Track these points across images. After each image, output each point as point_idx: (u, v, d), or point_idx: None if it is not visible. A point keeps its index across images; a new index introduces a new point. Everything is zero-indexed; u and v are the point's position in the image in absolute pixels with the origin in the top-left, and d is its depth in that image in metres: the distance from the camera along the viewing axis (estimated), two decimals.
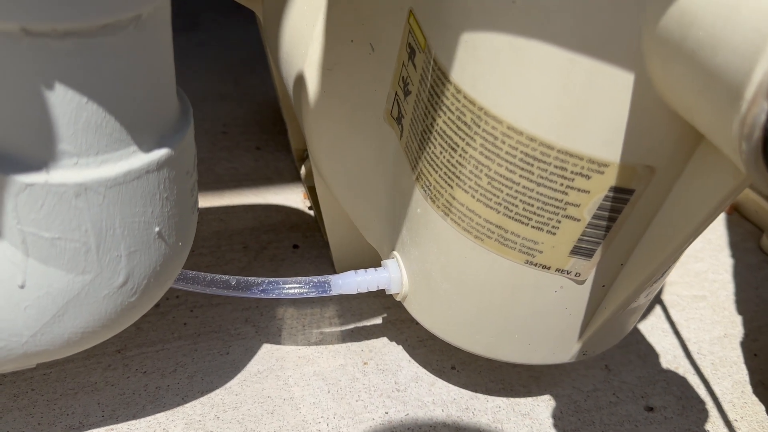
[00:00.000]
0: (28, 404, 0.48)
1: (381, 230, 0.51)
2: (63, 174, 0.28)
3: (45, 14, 0.24)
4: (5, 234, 0.31)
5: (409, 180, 0.44)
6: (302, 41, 0.48)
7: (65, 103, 0.27)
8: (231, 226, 0.68)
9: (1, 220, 0.30)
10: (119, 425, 0.47)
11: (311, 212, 0.71)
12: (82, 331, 0.35)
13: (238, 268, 0.62)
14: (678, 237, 0.36)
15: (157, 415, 0.48)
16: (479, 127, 0.35)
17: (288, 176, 0.76)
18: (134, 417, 0.48)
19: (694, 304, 0.68)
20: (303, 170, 0.67)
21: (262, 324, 0.57)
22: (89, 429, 0.47)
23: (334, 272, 0.64)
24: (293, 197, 0.73)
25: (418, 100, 0.40)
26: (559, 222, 0.36)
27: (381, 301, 0.61)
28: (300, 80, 0.49)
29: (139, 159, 0.30)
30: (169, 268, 0.36)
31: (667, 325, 0.65)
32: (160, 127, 0.31)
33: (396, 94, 0.44)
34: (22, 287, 0.32)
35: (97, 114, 0.27)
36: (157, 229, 0.33)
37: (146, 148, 0.30)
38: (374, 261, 0.63)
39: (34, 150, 0.28)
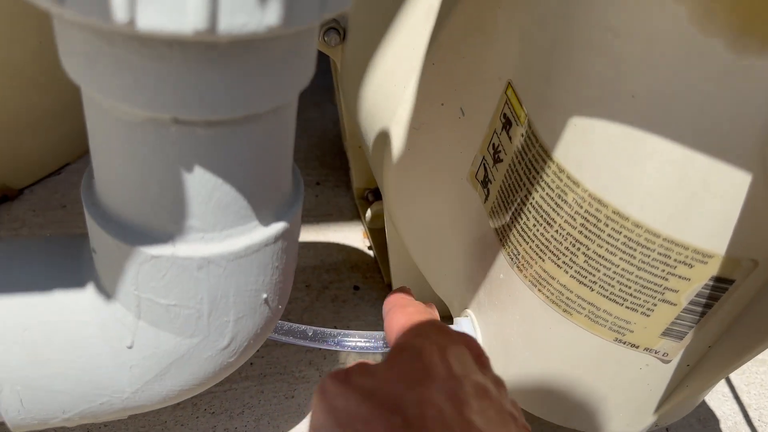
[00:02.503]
0: None
1: (453, 286, 0.52)
2: (189, 248, 0.29)
3: (199, 108, 0.25)
4: (120, 297, 0.32)
5: (493, 245, 0.44)
6: (390, 99, 0.48)
7: (201, 184, 0.27)
8: None
9: (119, 284, 0.31)
10: None
11: (371, 252, 0.72)
12: (179, 389, 0.36)
13: (302, 308, 0.63)
14: None
15: None
16: (581, 207, 0.35)
17: (347, 213, 0.77)
18: None
19: (754, 369, 0.67)
20: (369, 213, 0.68)
21: (325, 368, 0.58)
22: None
23: None
24: (353, 236, 0.74)
25: (511, 170, 0.40)
26: (655, 305, 0.36)
27: None
28: (384, 136, 0.50)
29: (259, 233, 0.30)
30: (267, 329, 0.36)
31: (727, 389, 0.64)
32: (278, 201, 0.32)
33: (484, 158, 0.44)
34: (130, 347, 0.33)
35: (228, 194, 0.28)
36: (264, 296, 0.33)
37: (266, 222, 0.31)
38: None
39: (162, 224, 0.29)
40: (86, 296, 0.33)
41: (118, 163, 0.28)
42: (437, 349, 0.26)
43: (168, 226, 0.29)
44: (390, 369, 0.25)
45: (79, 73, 0.25)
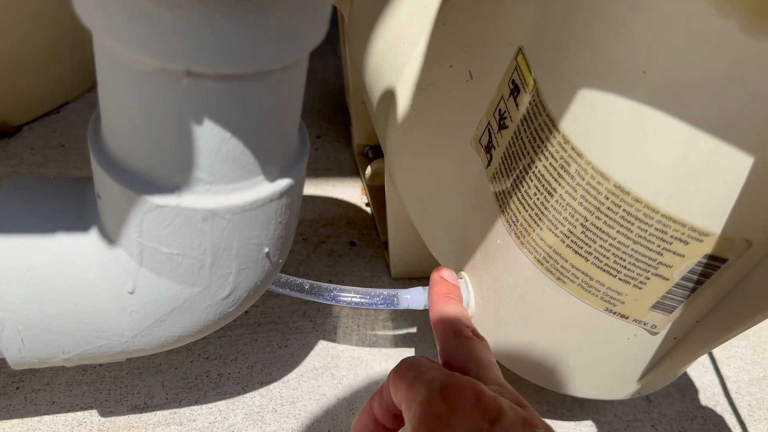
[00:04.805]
0: (96, 380, 0.50)
1: (449, 248, 0.52)
2: (194, 199, 0.29)
3: (212, 61, 0.24)
4: (122, 243, 0.32)
5: (491, 210, 0.44)
6: (398, 58, 0.48)
7: (210, 137, 0.27)
8: None
9: (123, 231, 0.32)
10: (182, 409, 0.49)
11: (368, 209, 0.72)
12: (178, 335, 0.36)
13: (298, 261, 0.64)
14: (763, 307, 0.36)
15: (218, 403, 0.50)
16: (583, 179, 0.36)
17: (347, 169, 0.77)
18: (197, 402, 0.50)
19: (735, 342, 0.69)
20: (369, 170, 0.68)
21: (318, 320, 0.59)
22: (154, 410, 0.49)
23: (388, 274, 0.65)
24: (351, 191, 0.74)
25: (516, 137, 0.40)
26: (648, 279, 0.37)
27: None
28: (389, 94, 0.49)
29: (264, 188, 0.31)
30: (267, 282, 0.37)
31: (707, 361, 0.66)
32: (284, 157, 0.32)
33: (489, 123, 0.44)
34: (131, 293, 0.34)
35: (237, 148, 0.28)
36: (266, 250, 0.34)
37: (272, 177, 0.31)
38: (429, 268, 0.64)
39: (169, 174, 0.29)
40: (89, 240, 0.34)
41: (127, 111, 0.28)
42: None
43: (175, 176, 0.29)
44: None
45: (91, 19, 0.25)
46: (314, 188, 0.73)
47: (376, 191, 0.70)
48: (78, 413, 0.48)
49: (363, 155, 0.75)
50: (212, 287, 0.34)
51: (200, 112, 0.27)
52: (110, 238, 0.33)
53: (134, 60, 0.25)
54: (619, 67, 0.32)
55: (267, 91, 0.27)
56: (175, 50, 0.24)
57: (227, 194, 0.30)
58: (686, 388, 0.62)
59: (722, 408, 0.61)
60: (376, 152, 0.74)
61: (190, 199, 0.29)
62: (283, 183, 0.32)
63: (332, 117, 0.85)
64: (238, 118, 0.27)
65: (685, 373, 0.63)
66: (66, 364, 0.37)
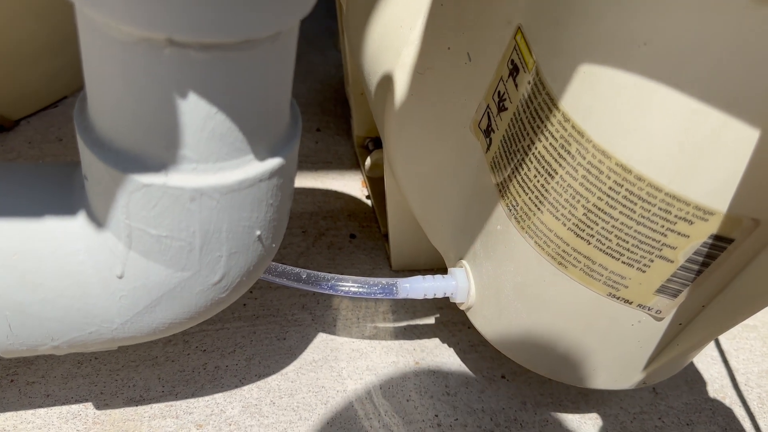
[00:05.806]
0: (92, 372, 0.49)
1: (449, 237, 0.51)
2: (181, 178, 0.29)
3: (194, 28, 0.24)
4: (110, 226, 0.32)
5: (491, 195, 0.43)
6: (395, 42, 0.47)
7: (195, 112, 0.27)
8: (291, 208, 0.68)
9: (110, 213, 0.31)
10: (179, 402, 0.48)
11: (369, 201, 0.71)
12: (170, 322, 0.36)
13: (297, 253, 0.63)
14: None
15: (216, 396, 0.49)
16: (584, 158, 0.35)
17: (347, 161, 0.76)
18: (193, 395, 0.49)
19: (744, 334, 0.67)
20: (368, 161, 0.67)
21: (318, 312, 0.58)
22: (150, 403, 0.48)
23: (389, 266, 0.64)
24: (352, 184, 0.73)
25: (515, 119, 0.39)
26: (652, 261, 0.36)
27: (434, 300, 0.62)
28: (387, 80, 0.48)
29: (254, 168, 0.30)
30: (260, 267, 0.36)
31: (716, 353, 0.64)
32: (275, 136, 0.31)
33: (488, 106, 0.43)
34: (120, 277, 0.33)
35: (223, 124, 0.27)
36: (258, 233, 0.33)
37: (261, 157, 0.30)
38: (430, 259, 0.63)
39: (155, 152, 0.28)
40: (77, 224, 0.33)
41: (111, 86, 0.27)
42: None
43: (160, 154, 0.28)
44: None
45: None
46: (314, 181, 0.72)
47: (377, 183, 0.70)
48: (73, 406, 0.47)
49: (363, 147, 0.74)
50: (203, 271, 0.33)
51: (183, 85, 0.26)
52: (98, 221, 0.32)
53: (115, 29, 0.25)
54: (619, 39, 0.31)
55: (253, 63, 0.26)
56: (156, 18, 0.23)
57: (215, 173, 0.29)
58: (694, 380, 0.61)
59: (731, 400, 0.59)
60: (376, 144, 0.73)
61: (176, 178, 0.29)
62: (274, 162, 0.31)
63: (332, 110, 0.84)
64: (224, 91, 0.26)
65: (693, 365, 0.62)
66: (56, 352, 0.36)
